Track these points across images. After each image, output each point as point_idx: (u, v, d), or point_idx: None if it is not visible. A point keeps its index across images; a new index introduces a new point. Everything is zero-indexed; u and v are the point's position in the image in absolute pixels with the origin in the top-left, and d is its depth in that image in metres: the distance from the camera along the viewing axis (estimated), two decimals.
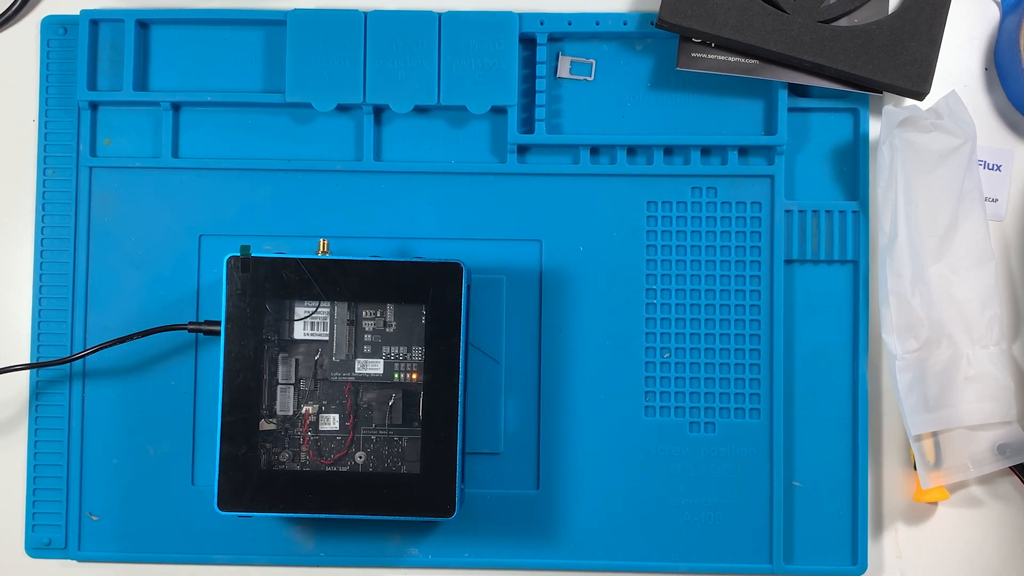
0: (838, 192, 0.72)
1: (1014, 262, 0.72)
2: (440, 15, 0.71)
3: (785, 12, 0.69)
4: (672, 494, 0.71)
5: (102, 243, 0.72)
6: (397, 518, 0.67)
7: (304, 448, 0.66)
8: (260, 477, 0.66)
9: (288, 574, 0.72)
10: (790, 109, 0.71)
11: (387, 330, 0.67)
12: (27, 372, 0.72)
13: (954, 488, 0.71)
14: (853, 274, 0.71)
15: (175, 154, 0.72)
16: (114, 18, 0.72)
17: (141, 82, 0.73)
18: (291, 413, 0.66)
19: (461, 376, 0.66)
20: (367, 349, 0.67)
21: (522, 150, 0.72)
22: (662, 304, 0.71)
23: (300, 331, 0.67)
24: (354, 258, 0.67)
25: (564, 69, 0.72)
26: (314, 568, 0.72)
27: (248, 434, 0.66)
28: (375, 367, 0.67)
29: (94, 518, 0.71)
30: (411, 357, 0.67)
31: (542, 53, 0.72)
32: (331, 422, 0.67)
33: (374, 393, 0.67)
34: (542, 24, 0.71)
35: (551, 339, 0.71)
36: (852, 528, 0.71)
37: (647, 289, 0.71)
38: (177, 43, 0.73)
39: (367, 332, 0.67)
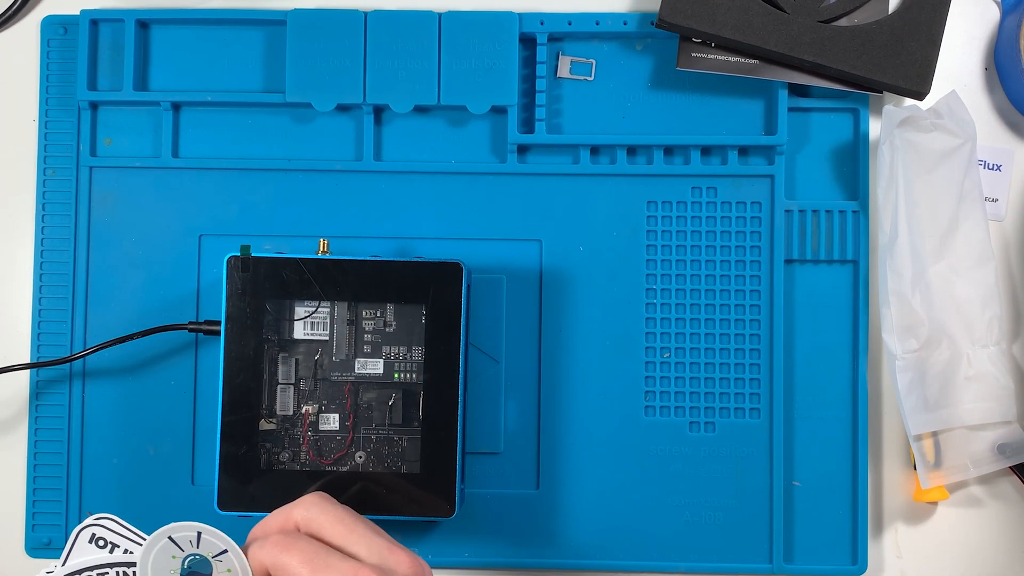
0: (838, 192, 0.72)
1: (1014, 262, 0.72)
2: (440, 15, 0.71)
3: (785, 12, 0.69)
4: (672, 494, 0.71)
5: (102, 243, 0.72)
6: (397, 518, 0.67)
7: (304, 448, 0.66)
8: (260, 477, 0.66)
9: None
10: (790, 109, 0.71)
11: (387, 330, 0.67)
12: (27, 372, 0.72)
13: (954, 488, 0.71)
14: (853, 274, 0.71)
15: (175, 154, 0.72)
16: (114, 18, 0.72)
17: (141, 82, 0.73)
18: (291, 413, 0.66)
19: (461, 376, 0.66)
20: (367, 349, 0.67)
21: (522, 150, 0.72)
22: (662, 304, 0.71)
23: (300, 331, 0.67)
24: (354, 258, 0.67)
25: (564, 69, 0.72)
26: None
27: (248, 434, 0.66)
28: (375, 367, 0.67)
29: None
30: (411, 357, 0.67)
31: (542, 53, 0.72)
32: (331, 422, 0.67)
33: (374, 393, 0.67)
34: (542, 24, 0.71)
35: (551, 339, 0.71)
36: (852, 528, 0.71)
37: (647, 289, 0.71)
38: (177, 43, 0.73)
39: (367, 332, 0.67)
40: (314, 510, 0.54)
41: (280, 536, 0.52)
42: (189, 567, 0.52)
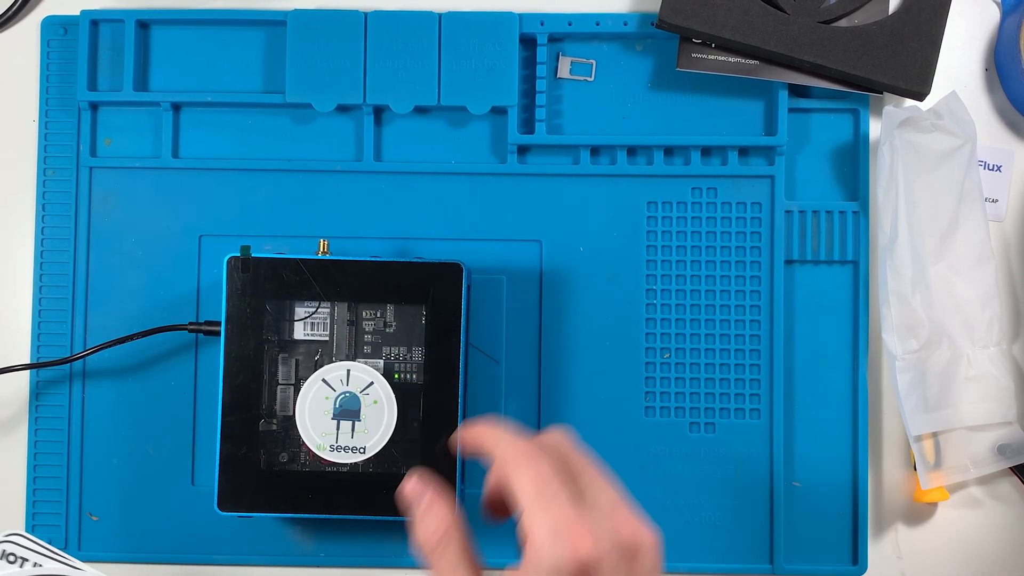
0: (838, 192, 0.72)
1: (1014, 262, 0.72)
2: (440, 15, 0.71)
3: (785, 12, 0.69)
4: (672, 494, 0.71)
5: (102, 243, 0.72)
6: (397, 519, 0.67)
7: (304, 448, 0.66)
8: (260, 477, 0.66)
9: (288, 574, 0.72)
10: (790, 109, 0.71)
11: (387, 330, 0.67)
12: (27, 372, 0.72)
13: (954, 488, 0.71)
14: (853, 274, 0.71)
15: (175, 154, 0.72)
16: (114, 18, 0.72)
17: (141, 82, 0.73)
18: (291, 413, 0.66)
19: (461, 376, 0.66)
20: (367, 349, 0.67)
21: (522, 150, 0.72)
22: (662, 304, 0.71)
23: (300, 331, 0.67)
24: (354, 258, 0.67)
25: (564, 69, 0.72)
26: (314, 568, 0.72)
27: (248, 434, 0.66)
28: (375, 367, 0.67)
29: (94, 518, 0.71)
30: (411, 357, 0.67)
31: (542, 53, 0.72)
32: None
33: None
34: (542, 24, 0.71)
35: (551, 339, 0.71)
36: (852, 528, 0.71)
37: (647, 289, 0.71)
38: (177, 43, 0.73)
39: (367, 332, 0.67)
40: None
41: (533, 447, 0.50)
42: (341, 405, 0.62)
